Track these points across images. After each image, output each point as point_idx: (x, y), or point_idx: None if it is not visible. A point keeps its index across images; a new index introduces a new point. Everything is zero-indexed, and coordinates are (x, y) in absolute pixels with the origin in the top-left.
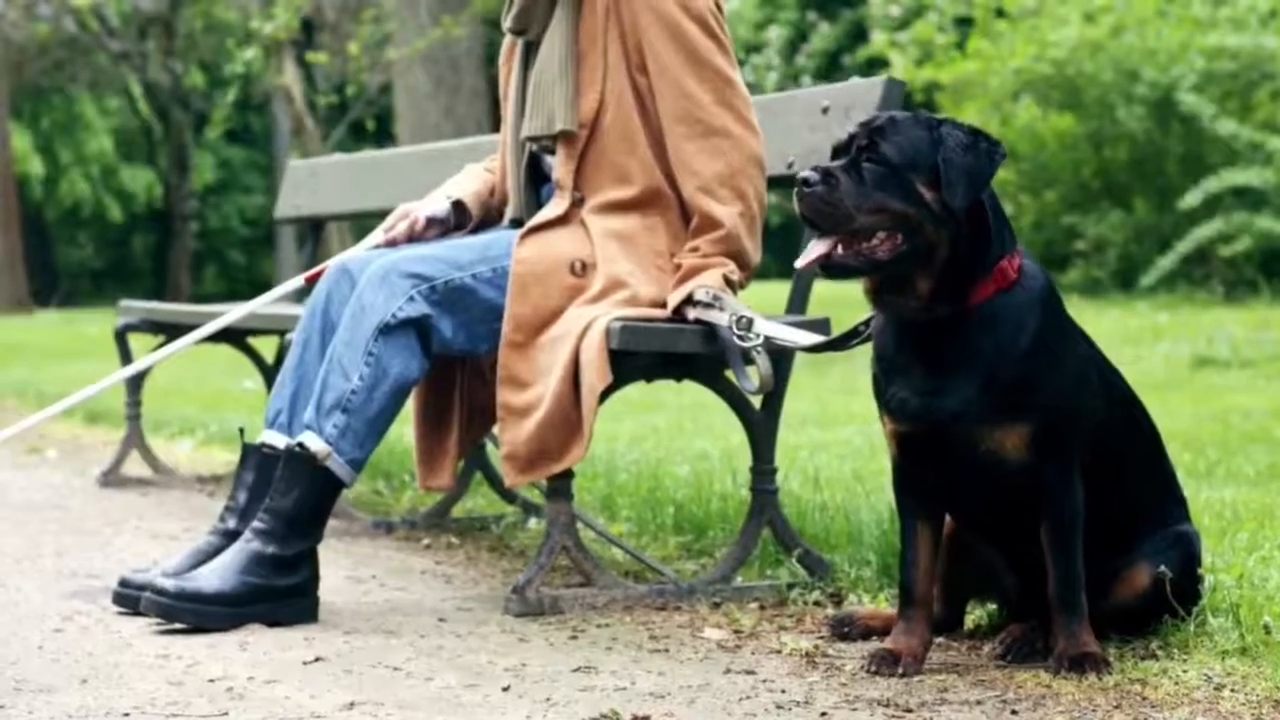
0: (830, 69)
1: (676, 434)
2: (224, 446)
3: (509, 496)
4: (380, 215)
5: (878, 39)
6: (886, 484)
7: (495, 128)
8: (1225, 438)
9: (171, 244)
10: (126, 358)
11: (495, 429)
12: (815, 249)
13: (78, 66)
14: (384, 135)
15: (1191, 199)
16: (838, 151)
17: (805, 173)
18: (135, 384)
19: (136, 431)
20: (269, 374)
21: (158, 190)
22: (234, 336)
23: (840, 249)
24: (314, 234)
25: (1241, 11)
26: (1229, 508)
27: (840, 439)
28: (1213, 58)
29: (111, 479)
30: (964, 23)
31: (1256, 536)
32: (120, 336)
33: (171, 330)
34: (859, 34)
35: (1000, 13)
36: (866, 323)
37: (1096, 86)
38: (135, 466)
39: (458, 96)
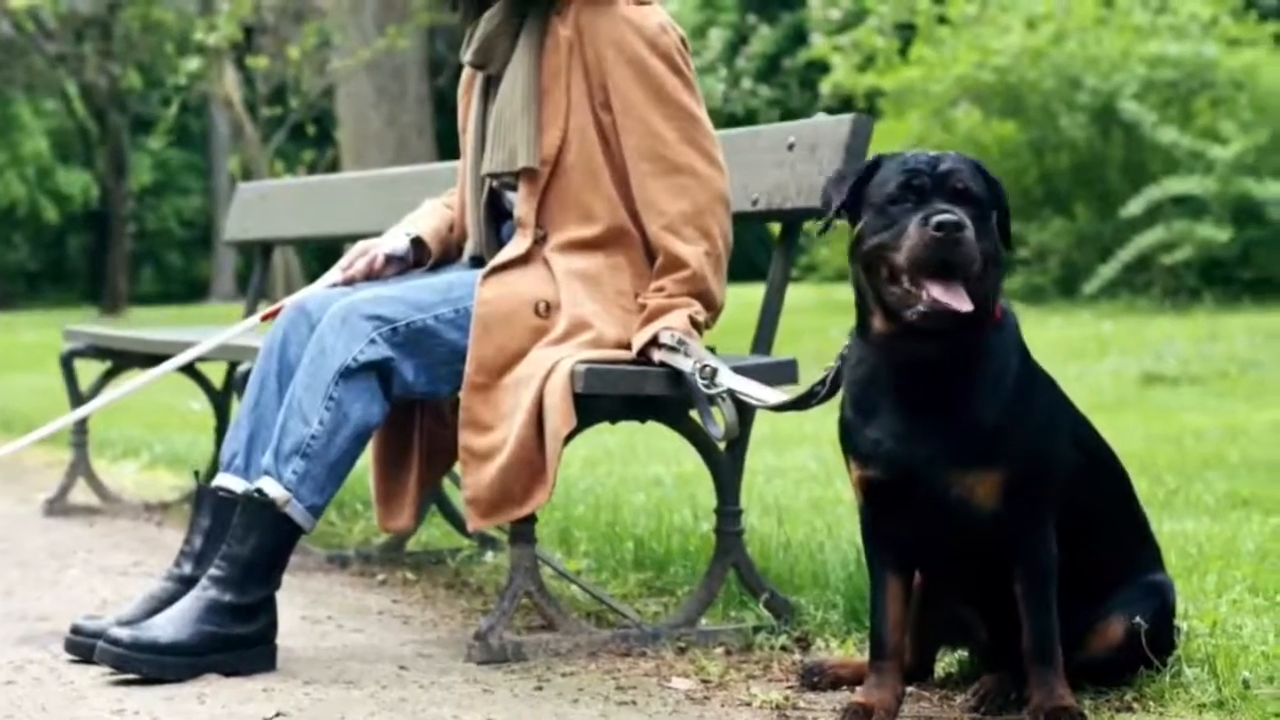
0: (770, 71)
1: (629, 458)
2: (170, 470)
3: (465, 529)
4: (330, 241)
5: (819, 42)
6: (845, 514)
7: (438, 138)
8: (1181, 462)
9: (108, 246)
10: (73, 384)
11: (455, 468)
12: (959, 297)
13: (14, 69)
14: (325, 140)
15: (1134, 207)
16: (921, 192)
17: (948, 216)
18: None
19: (83, 459)
20: (216, 398)
21: (94, 192)
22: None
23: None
24: (263, 258)
25: (1182, 20)
26: (1193, 543)
27: (795, 464)
28: (1154, 66)
29: (57, 508)
30: (906, 28)
31: (1225, 577)
32: (66, 362)
33: (118, 356)
34: (799, 37)
35: (943, 20)
36: (823, 381)
37: (1038, 94)
38: (81, 493)
39: (401, 104)
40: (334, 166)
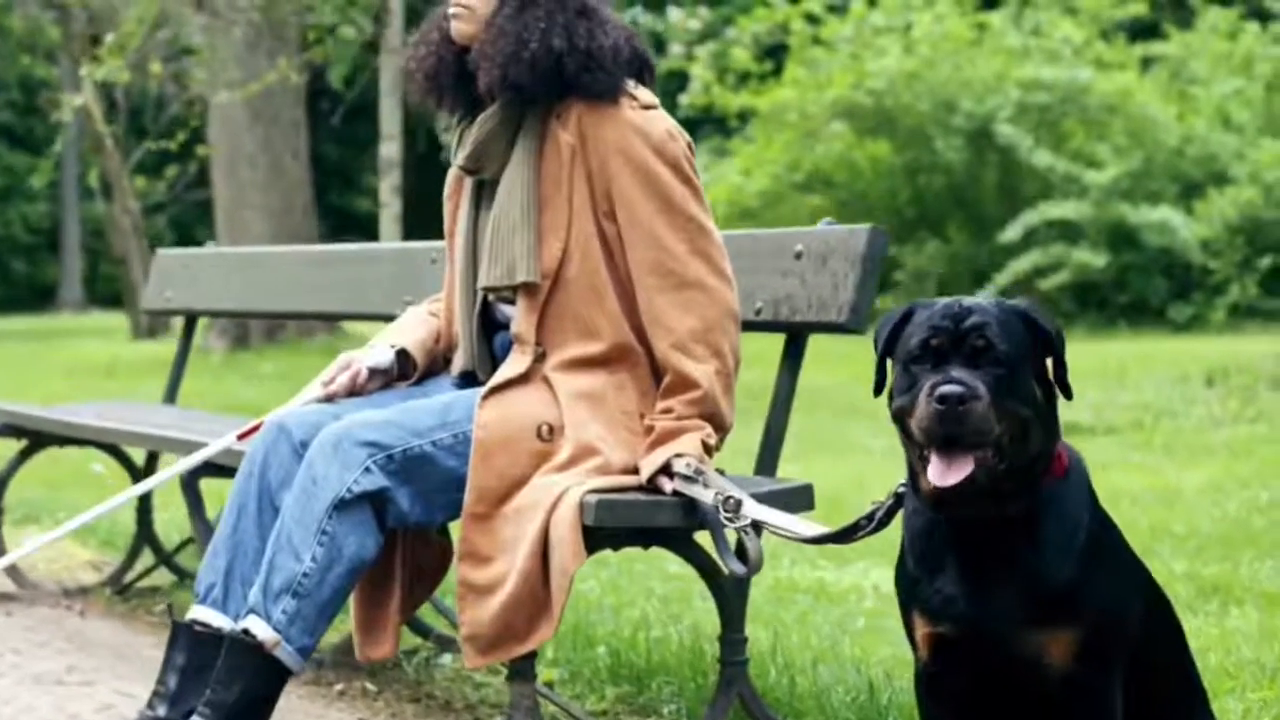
0: None
1: None
2: (77, 540)
3: (420, 629)
4: (258, 316)
5: (677, 52)
6: (810, 606)
7: (313, 161)
8: (1126, 533)
9: None
10: None
11: (440, 588)
12: (960, 467)
13: None
14: (188, 157)
15: (1012, 232)
16: (939, 352)
17: (951, 388)
18: None
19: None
20: (136, 475)
21: None
22: (107, 444)
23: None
24: (187, 329)
25: (1055, 43)
26: (1198, 653)
27: None
28: (1028, 89)
29: None
30: (777, 49)
31: (1246, 701)
32: None
33: (35, 436)
34: (658, 45)
35: (817, 40)
36: (869, 515)
37: (913, 116)
38: None
39: (275, 128)
40: (200, 181)
